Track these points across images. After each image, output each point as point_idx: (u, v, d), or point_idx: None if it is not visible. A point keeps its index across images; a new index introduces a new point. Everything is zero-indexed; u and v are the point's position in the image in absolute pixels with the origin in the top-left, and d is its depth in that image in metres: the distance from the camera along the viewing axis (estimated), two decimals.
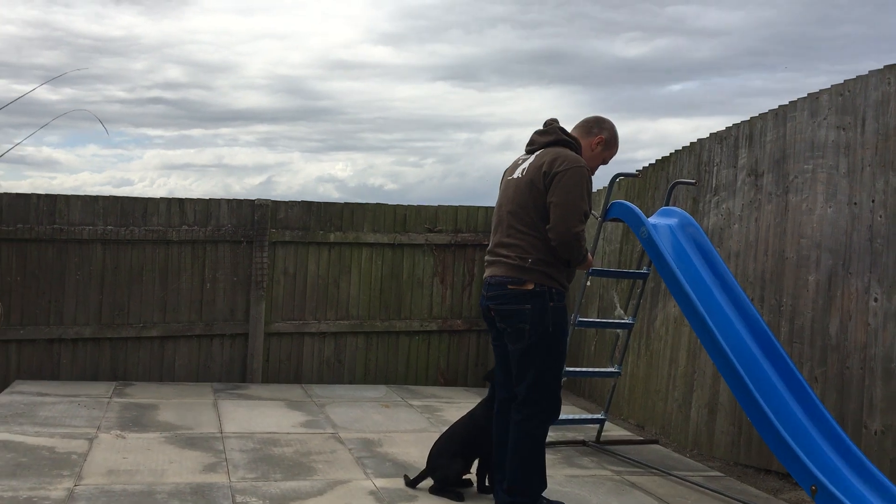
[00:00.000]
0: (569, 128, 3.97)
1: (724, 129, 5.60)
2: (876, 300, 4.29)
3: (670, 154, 6.24)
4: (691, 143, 5.97)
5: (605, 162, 3.99)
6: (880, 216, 4.29)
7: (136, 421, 5.52)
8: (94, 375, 6.80)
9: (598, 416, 5.68)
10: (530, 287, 3.66)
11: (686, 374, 5.75)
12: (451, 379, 7.71)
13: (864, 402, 4.34)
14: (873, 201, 4.34)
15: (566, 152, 3.72)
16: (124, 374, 6.88)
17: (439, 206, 7.68)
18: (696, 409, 5.61)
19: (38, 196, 6.73)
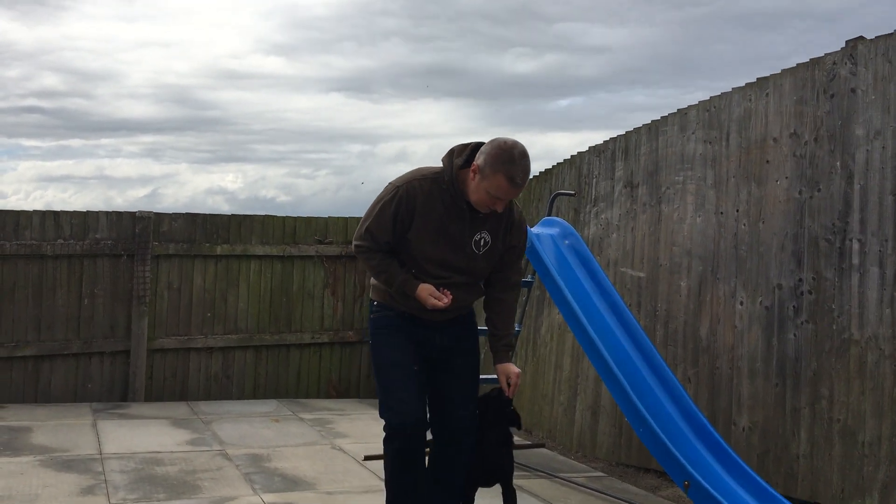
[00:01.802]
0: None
1: (601, 142, 5.84)
2: (742, 304, 4.57)
3: (553, 167, 6.44)
4: (572, 157, 6.19)
5: (490, 195, 3.03)
6: (744, 224, 4.57)
7: (7, 445, 5.24)
8: None
9: None
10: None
11: (570, 378, 5.93)
12: (343, 391, 7.67)
13: (732, 400, 4.60)
14: (738, 211, 4.62)
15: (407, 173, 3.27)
16: None
17: (329, 217, 7.65)
18: (580, 413, 5.79)
19: None
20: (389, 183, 3.21)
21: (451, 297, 3.12)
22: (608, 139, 5.78)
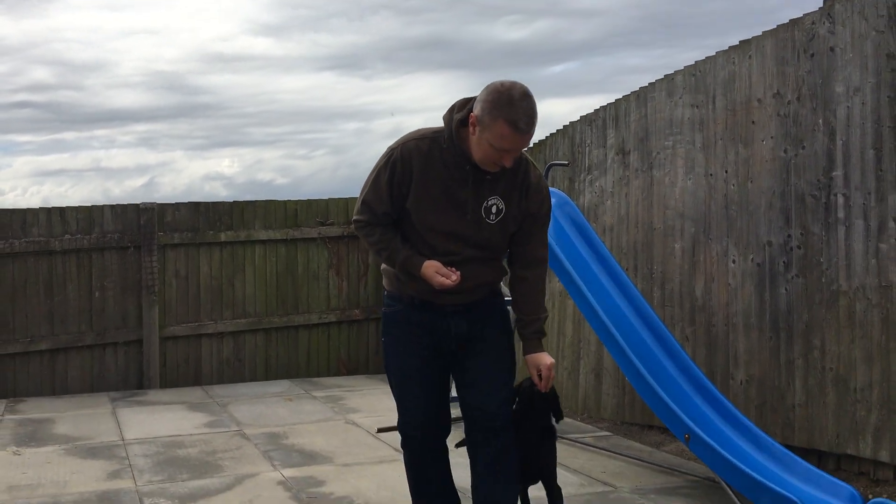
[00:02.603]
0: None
1: (592, 111, 5.95)
2: (734, 262, 4.71)
3: (546, 137, 6.55)
4: (564, 126, 6.30)
5: (494, 148, 2.62)
6: (733, 185, 4.70)
7: (32, 436, 5.42)
8: None
9: None
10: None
11: (573, 343, 6.09)
12: (352, 368, 7.84)
13: (729, 355, 4.76)
14: (726, 172, 4.74)
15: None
16: (14, 391, 6.69)
17: (330, 199, 7.78)
18: (584, 376, 5.96)
19: None
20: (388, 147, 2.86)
21: (459, 275, 2.73)
22: (598, 108, 5.89)
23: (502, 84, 2.62)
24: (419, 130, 2.81)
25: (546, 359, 2.91)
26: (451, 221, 2.76)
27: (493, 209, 2.78)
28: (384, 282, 3.01)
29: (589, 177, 5.98)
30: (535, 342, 2.94)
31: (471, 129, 2.66)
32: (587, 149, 6.01)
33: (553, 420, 3.11)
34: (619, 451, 4.88)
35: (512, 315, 3.04)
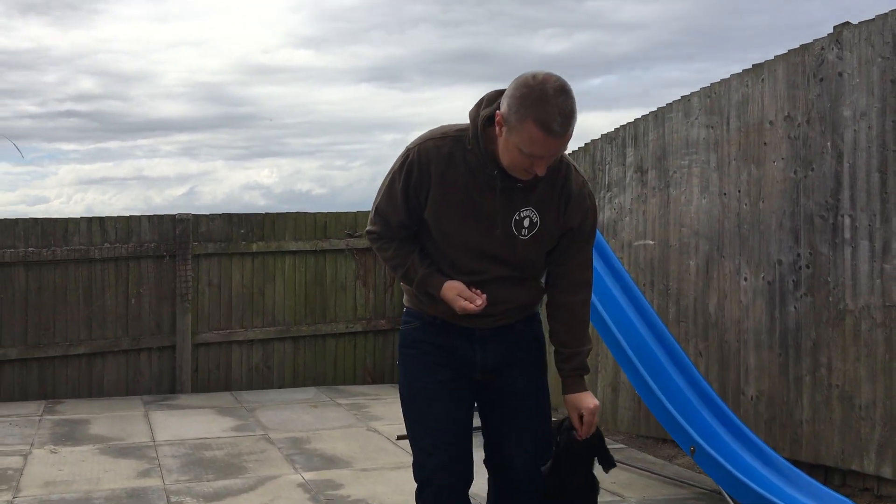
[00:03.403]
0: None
1: (612, 130, 6.08)
2: (746, 279, 4.81)
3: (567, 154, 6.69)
4: (585, 144, 6.44)
5: (523, 154, 2.20)
6: (745, 204, 4.80)
7: (68, 436, 5.68)
8: (23, 395, 6.89)
9: None
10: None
11: (591, 357, 6.20)
12: (377, 377, 8.03)
13: (740, 371, 4.86)
14: (739, 191, 4.85)
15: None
16: (53, 393, 6.99)
17: (358, 211, 7.99)
18: (602, 389, 6.08)
19: None
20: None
21: (485, 298, 2.33)
22: (619, 126, 6.02)
23: (534, 76, 2.16)
24: (441, 128, 2.40)
25: (590, 400, 2.45)
26: (476, 235, 2.34)
27: (526, 222, 2.34)
28: (404, 297, 2.60)
29: (609, 194, 6.11)
30: (576, 380, 2.48)
31: (497, 129, 2.23)
32: (607, 166, 6.14)
33: (603, 468, 2.61)
34: (633, 464, 4.99)
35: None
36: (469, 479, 2.51)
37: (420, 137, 2.39)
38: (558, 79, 2.17)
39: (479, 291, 2.35)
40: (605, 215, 6.12)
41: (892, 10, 3.91)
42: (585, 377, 2.51)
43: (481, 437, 2.60)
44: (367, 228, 2.52)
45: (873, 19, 4.00)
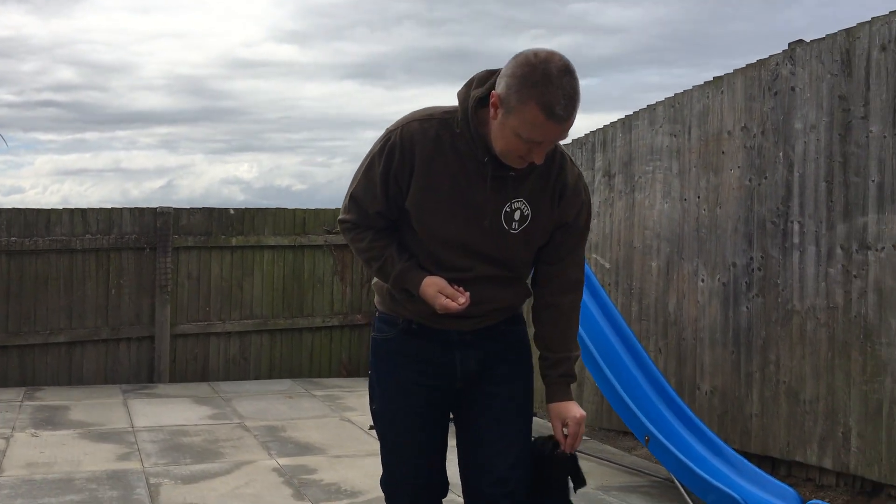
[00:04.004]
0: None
1: (583, 135, 6.33)
2: (703, 281, 5.07)
3: None
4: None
5: (522, 139, 1.99)
6: (704, 209, 5.06)
7: (49, 420, 5.84)
8: (3, 382, 7.02)
9: None
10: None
11: None
12: (353, 370, 8.23)
13: (696, 367, 5.12)
14: (698, 197, 5.11)
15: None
16: (33, 380, 7.13)
17: (336, 208, 8.18)
18: None
19: None
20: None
21: (468, 296, 2.14)
22: (589, 132, 6.27)
23: (535, 55, 1.96)
24: (426, 109, 2.18)
25: (576, 410, 2.24)
26: (462, 228, 2.14)
27: (517, 215, 2.15)
28: (376, 300, 2.37)
29: None
30: (562, 387, 2.27)
31: (492, 110, 2.02)
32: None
33: (573, 488, 2.33)
34: (593, 454, 5.23)
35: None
36: (444, 491, 2.37)
37: (403, 118, 2.17)
38: (562, 57, 1.97)
39: (461, 289, 2.14)
40: None
41: (841, 31, 4.18)
42: (572, 385, 2.31)
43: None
44: (340, 217, 2.28)
45: (824, 38, 4.27)
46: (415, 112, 2.18)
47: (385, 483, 2.38)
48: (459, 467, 2.33)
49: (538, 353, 2.34)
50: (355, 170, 2.25)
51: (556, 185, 2.17)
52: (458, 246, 2.16)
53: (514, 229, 2.15)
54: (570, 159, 2.24)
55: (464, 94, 2.12)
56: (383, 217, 2.21)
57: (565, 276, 2.28)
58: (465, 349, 2.26)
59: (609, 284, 5.82)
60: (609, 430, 5.85)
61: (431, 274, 2.17)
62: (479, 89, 2.09)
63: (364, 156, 2.23)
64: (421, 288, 2.16)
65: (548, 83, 1.93)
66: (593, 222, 6.14)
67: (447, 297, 2.12)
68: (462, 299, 2.12)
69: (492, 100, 2.01)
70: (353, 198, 2.22)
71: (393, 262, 2.20)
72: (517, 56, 1.99)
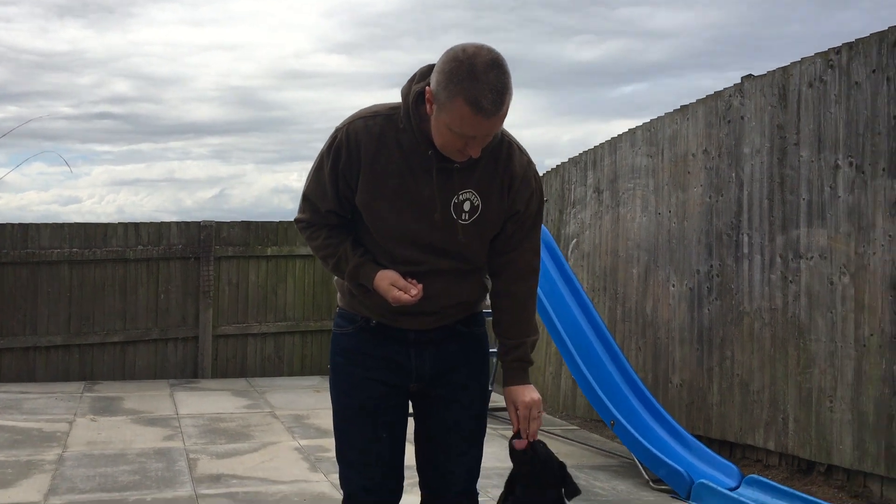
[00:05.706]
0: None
1: (577, 154, 6.99)
2: (674, 286, 5.70)
3: (543, 174, 7.62)
4: (556, 166, 7.36)
5: (455, 133, 2.01)
6: (674, 223, 5.69)
7: (105, 409, 6.70)
8: (65, 377, 7.94)
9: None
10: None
11: (557, 352, 7.11)
12: None
13: (668, 363, 5.74)
14: (670, 211, 5.74)
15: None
16: (91, 375, 8.03)
17: None
18: (564, 381, 6.98)
19: (13, 225, 7.87)
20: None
21: (420, 288, 2.13)
22: (582, 152, 6.93)
23: (463, 50, 1.97)
24: (373, 106, 2.20)
25: (527, 393, 2.23)
26: (413, 222, 2.14)
27: (466, 206, 2.15)
28: (338, 297, 2.38)
29: (573, 209, 7.02)
30: (518, 372, 2.28)
31: (427, 106, 2.04)
32: (573, 186, 7.05)
33: (566, 497, 2.34)
34: (581, 441, 5.88)
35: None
36: (400, 491, 2.34)
37: (350, 117, 2.19)
38: (490, 51, 1.97)
39: (414, 281, 2.14)
40: (570, 228, 7.03)
41: (779, 68, 4.79)
42: (530, 369, 2.32)
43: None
44: (296, 217, 2.31)
45: (765, 74, 4.89)
46: (362, 109, 2.19)
47: (343, 481, 2.33)
48: (417, 462, 2.36)
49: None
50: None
51: (505, 175, 2.16)
52: (410, 240, 2.16)
53: (465, 220, 2.15)
54: (519, 146, 2.22)
55: (406, 90, 2.13)
56: (336, 215, 2.23)
57: (520, 265, 2.27)
58: (421, 349, 2.26)
59: (598, 290, 6.47)
60: (598, 422, 6.49)
61: (386, 269, 2.17)
62: (419, 84, 2.10)
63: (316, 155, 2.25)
64: (374, 281, 2.16)
65: (473, 78, 1.93)
66: (586, 233, 6.80)
67: (400, 290, 2.12)
68: (414, 291, 2.12)
69: (426, 96, 2.03)
70: (306, 197, 2.25)
71: (347, 258, 2.20)
72: (447, 51, 2.00)
